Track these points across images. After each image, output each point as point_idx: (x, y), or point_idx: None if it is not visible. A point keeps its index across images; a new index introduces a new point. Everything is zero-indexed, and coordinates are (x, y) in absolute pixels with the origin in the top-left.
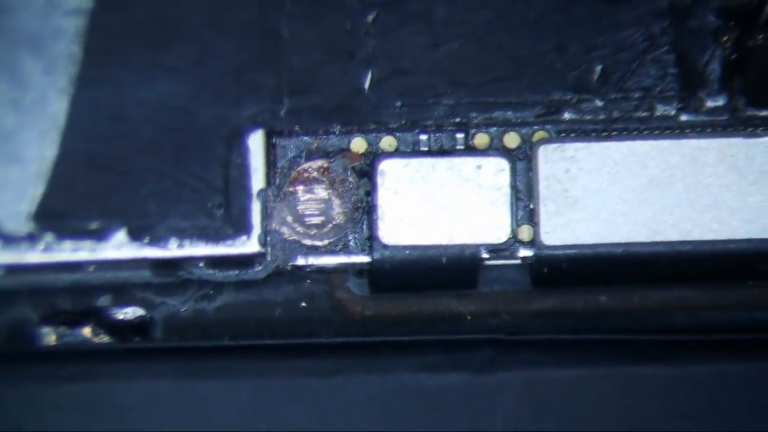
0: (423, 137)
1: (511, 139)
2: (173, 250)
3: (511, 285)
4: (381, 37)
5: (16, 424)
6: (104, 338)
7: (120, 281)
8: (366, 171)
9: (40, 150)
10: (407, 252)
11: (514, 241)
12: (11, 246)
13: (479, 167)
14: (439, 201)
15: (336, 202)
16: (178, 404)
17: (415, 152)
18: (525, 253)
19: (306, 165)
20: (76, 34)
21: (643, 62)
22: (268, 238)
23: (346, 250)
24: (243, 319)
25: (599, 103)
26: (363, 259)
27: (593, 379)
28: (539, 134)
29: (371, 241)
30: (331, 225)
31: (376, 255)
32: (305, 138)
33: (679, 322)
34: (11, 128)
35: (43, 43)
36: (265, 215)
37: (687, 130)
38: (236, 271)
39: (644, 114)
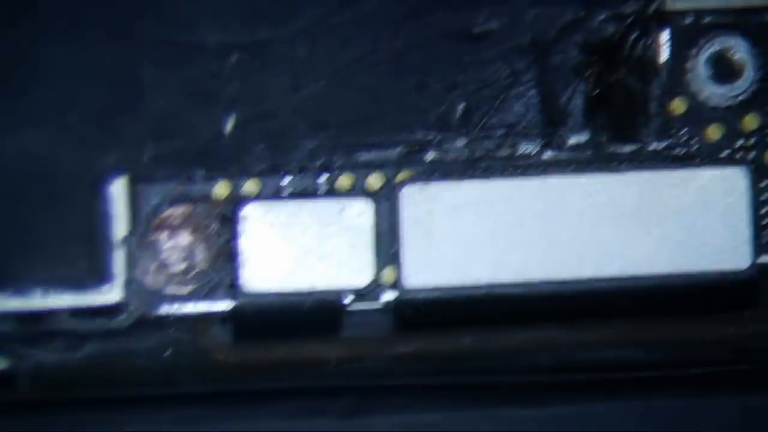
0: (286, 181)
1: (374, 181)
2: (37, 300)
3: (375, 329)
4: (243, 79)
5: None
6: None
7: None
8: (229, 216)
9: None
10: (270, 298)
11: (377, 284)
12: None
13: (342, 210)
14: (302, 245)
15: (199, 248)
16: None
17: (277, 196)
18: (388, 296)
19: (169, 212)
20: None
21: (506, 99)
22: (132, 287)
23: (209, 297)
24: (108, 370)
25: (462, 142)
26: (226, 306)
27: (458, 422)
28: (402, 175)
29: (234, 288)
30: (194, 272)
31: (239, 302)
32: (168, 184)
33: (544, 362)
34: None
35: None
36: (128, 263)
37: (550, 168)
38: (100, 321)
39: (507, 152)
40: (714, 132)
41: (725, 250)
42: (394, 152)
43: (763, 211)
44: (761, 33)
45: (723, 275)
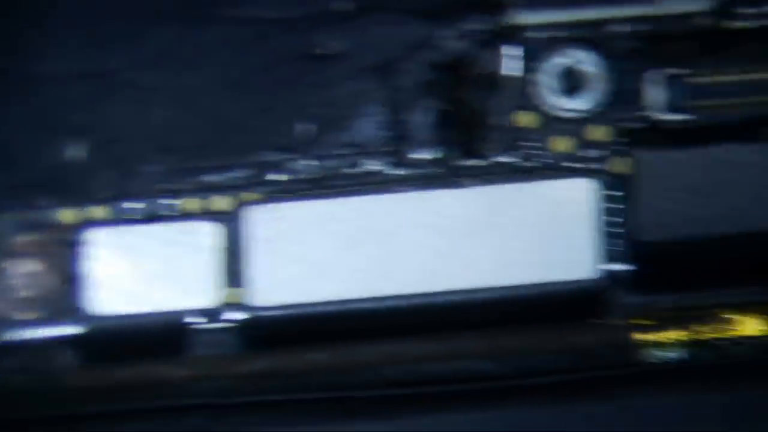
0: (133, 205)
1: (221, 203)
2: None
3: (224, 348)
4: (88, 107)
5: None
6: None
7: None
8: (76, 242)
9: None
10: (118, 321)
11: (225, 304)
12: None
13: (189, 232)
14: (150, 269)
15: (47, 274)
16: None
17: (124, 221)
18: (236, 315)
19: (16, 239)
20: None
21: (353, 119)
22: None
23: (57, 322)
24: None
25: (309, 162)
26: (75, 330)
27: None
28: (248, 196)
29: (81, 312)
30: (42, 297)
31: (87, 326)
32: (15, 212)
33: (394, 376)
34: None
35: None
36: None
37: (397, 185)
38: None
39: (355, 170)
40: (561, 144)
41: (572, 260)
42: (240, 174)
43: (609, 220)
44: (608, 45)
45: (570, 284)
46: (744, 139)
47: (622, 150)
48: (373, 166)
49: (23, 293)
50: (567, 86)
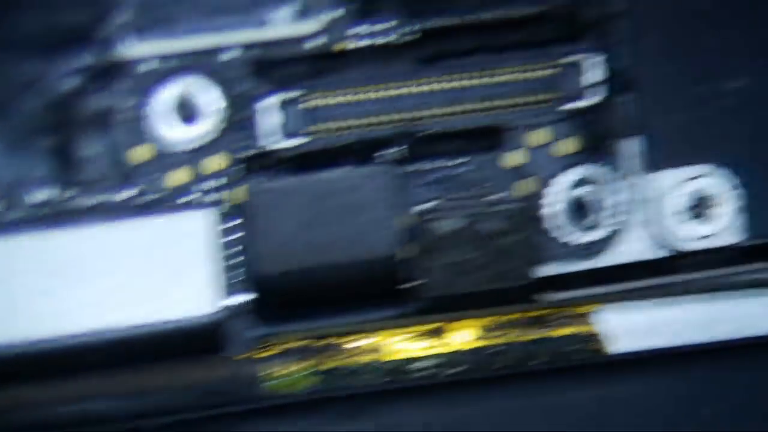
0: None
1: None
2: None
3: None
4: None
5: None
6: None
7: None
8: None
9: None
10: None
11: None
12: None
13: None
14: None
15: None
16: None
17: None
18: None
19: None
20: None
21: None
22: None
23: None
24: None
25: None
26: None
27: None
28: None
29: None
30: None
31: None
32: None
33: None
34: None
35: None
36: None
37: (11, 227)
38: None
39: None
40: (178, 176)
41: (193, 295)
42: None
43: (229, 252)
44: (221, 73)
45: (192, 321)
46: (358, 161)
47: (238, 179)
48: None
49: None
50: (181, 117)
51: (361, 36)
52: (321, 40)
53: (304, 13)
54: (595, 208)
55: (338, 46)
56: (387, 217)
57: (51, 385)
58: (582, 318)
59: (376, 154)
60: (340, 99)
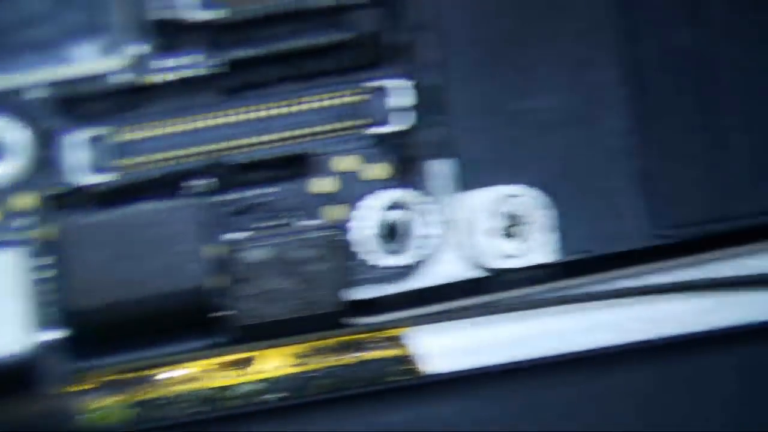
0: None
1: None
2: None
3: None
4: None
5: None
6: None
7: None
8: None
9: None
10: None
11: None
12: None
13: None
14: None
15: None
16: None
17: None
18: None
19: None
20: None
21: None
22: None
23: None
24: None
25: None
26: None
27: None
28: None
29: None
30: None
31: None
32: None
33: None
34: None
35: None
36: None
37: None
38: None
39: None
40: None
41: (5, 333)
42: None
43: (41, 289)
44: (29, 111)
45: (3, 359)
46: (167, 194)
47: (49, 216)
48: None
49: None
50: None
51: (167, 69)
52: (127, 75)
53: (109, 49)
54: (406, 231)
55: (145, 80)
56: (195, 248)
57: None
58: (396, 340)
59: (185, 186)
60: (148, 133)
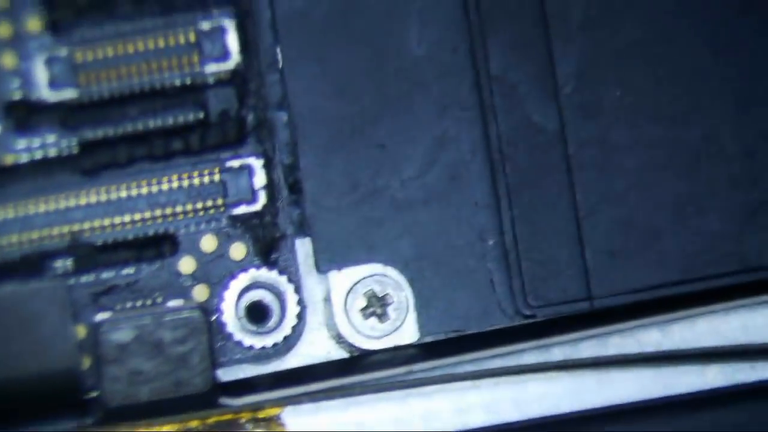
0: None
1: None
2: None
3: None
4: None
5: None
6: None
7: None
8: None
9: None
10: None
11: None
12: None
13: None
14: None
15: None
16: None
17: None
18: None
19: None
20: None
21: None
22: None
23: None
24: None
25: None
26: None
27: None
28: None
29: None
30: None
31: None
32: None
33: None
34: None
35: None
36: None
37: None
38: None
39: None
40: None
41: None
42: None
43: None
44: None
45: None
46: (28, 276)
47: None
48: None
49: None
50: None
51: (21, 150)
52: None
53: None
54: (270, 311)
55: (1, 161)
56: (61, 329)
57: None
58: (270, 421)
59: (46, 267)
60: (6, 214)
